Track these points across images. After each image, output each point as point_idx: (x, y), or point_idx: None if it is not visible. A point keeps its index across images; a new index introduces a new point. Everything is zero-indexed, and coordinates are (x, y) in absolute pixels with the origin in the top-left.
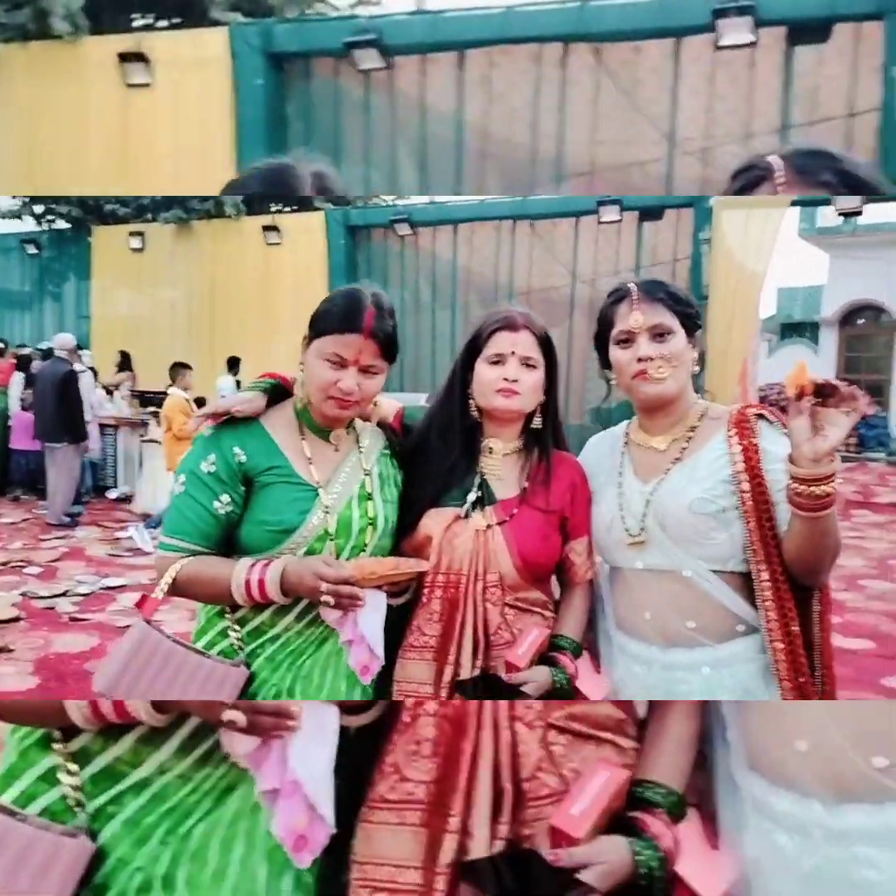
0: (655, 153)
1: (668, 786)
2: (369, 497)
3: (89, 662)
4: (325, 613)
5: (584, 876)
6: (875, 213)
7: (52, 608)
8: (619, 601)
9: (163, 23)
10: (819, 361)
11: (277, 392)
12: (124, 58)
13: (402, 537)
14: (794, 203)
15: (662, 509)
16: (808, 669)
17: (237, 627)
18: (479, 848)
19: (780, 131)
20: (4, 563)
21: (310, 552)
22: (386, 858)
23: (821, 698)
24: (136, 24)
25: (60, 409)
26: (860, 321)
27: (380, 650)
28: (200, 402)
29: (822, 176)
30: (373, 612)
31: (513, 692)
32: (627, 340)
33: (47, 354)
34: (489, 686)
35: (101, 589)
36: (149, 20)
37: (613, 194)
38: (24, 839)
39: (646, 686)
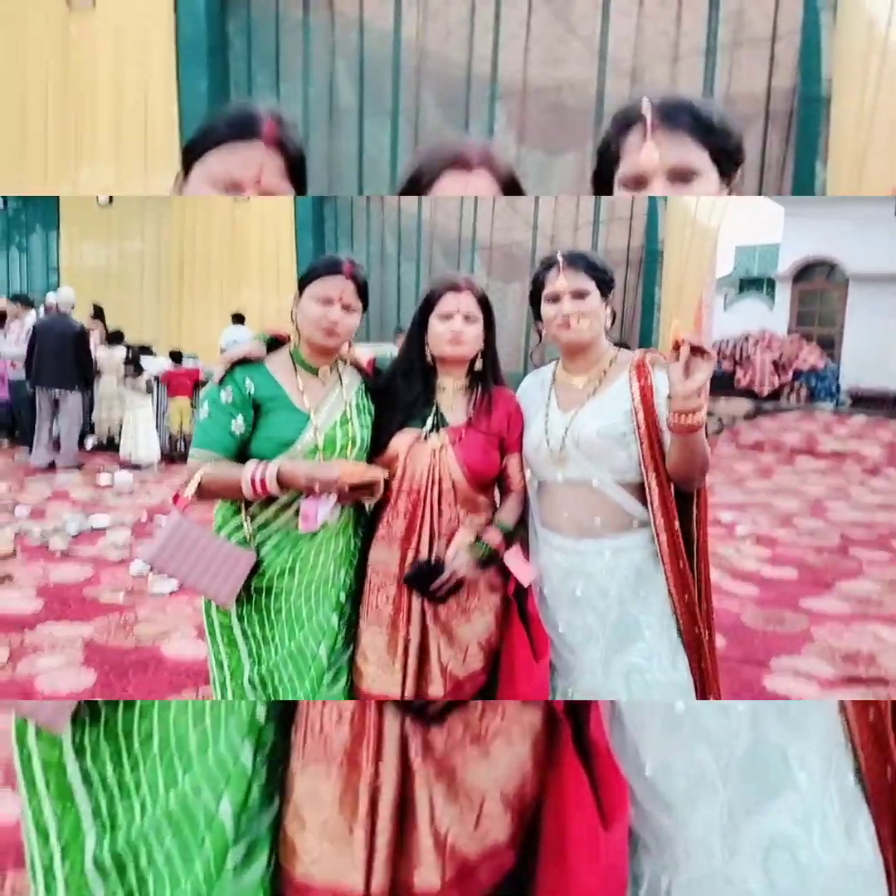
0: (587, 73)
1: (503, 520)
2: (349, 421)
3: (86, 589)
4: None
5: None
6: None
7: (45, 545)
8: (544, 505)
9: None
10: (774, 316)
11: (275, 342)
12: None
13: (375, 455)
14: None
15: (578, 433)
16: (685, 555)
17: (249, 521)
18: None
19: (706, 52)
20: None
21: None
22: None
23: (699, 578)
24: None
25: (78, 361)
26: (814, 277)
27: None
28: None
29: (682, 119)
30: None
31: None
32: (555, 299)
33: (27, 303)
34: (431, 573)
35: (90, 528)
36: None
37: (546, 114)
38: (216, 543)
39: (563, 568)
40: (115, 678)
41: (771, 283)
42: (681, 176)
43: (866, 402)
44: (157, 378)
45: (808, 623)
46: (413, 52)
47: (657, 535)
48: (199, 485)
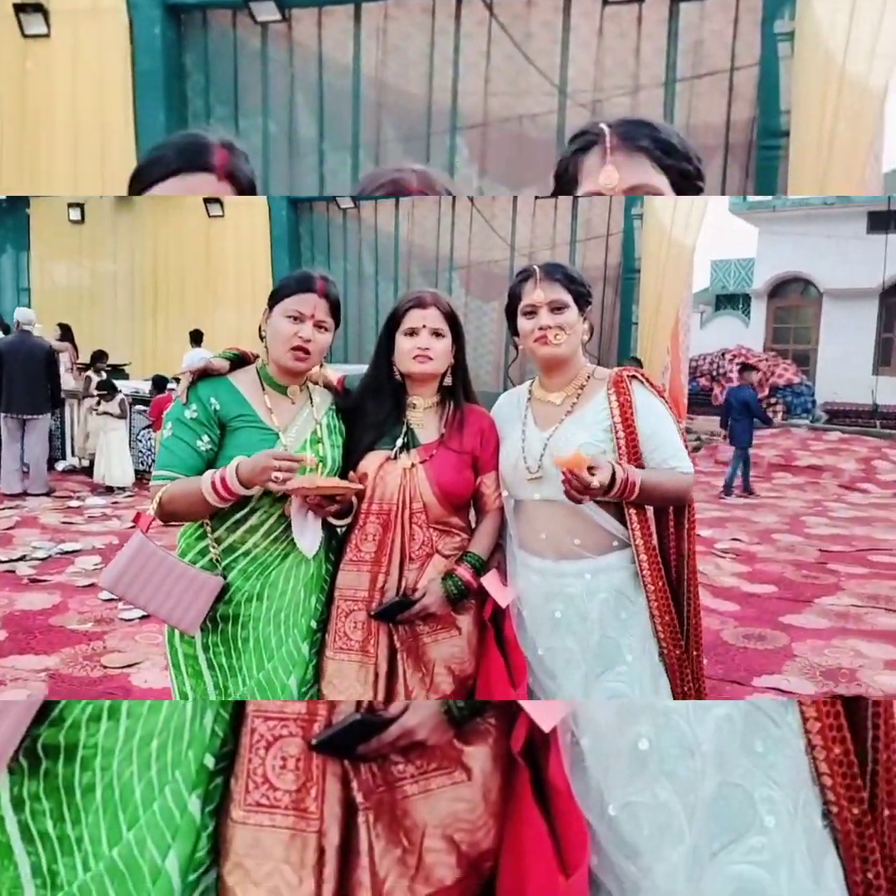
0: (548, 105)
1: (477, 552)
2: (319, 441)
3: (53, 618)
4: (289, 510)
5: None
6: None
7: (11, 572)
8: (521, 526)
9: None
10: (750, 332)
11: (240, 360)
12: (21, 8)
13: (344, 476)
14: None
15: (557, 451)
16: (665, 575)
17: (215, 545)
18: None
19: (665, 84)
20: None
21: None
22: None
23: (688, 597)
24: None
25: (48, 383)
26: (789, 293)
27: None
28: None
29: (641, 142)
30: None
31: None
32: (531, 312)
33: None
34: (400, 607)
35: (58, 553)
36: None
37: (507, 146)
38: (181, 568)
39: (542, 591)
40: None
41: (747, 299)
42: (556, 307)
43: (841, 416)
44: (130, 400)
45: (788, 640)
46: (373, 85)
47: (637, 554)
48: (160, 502)
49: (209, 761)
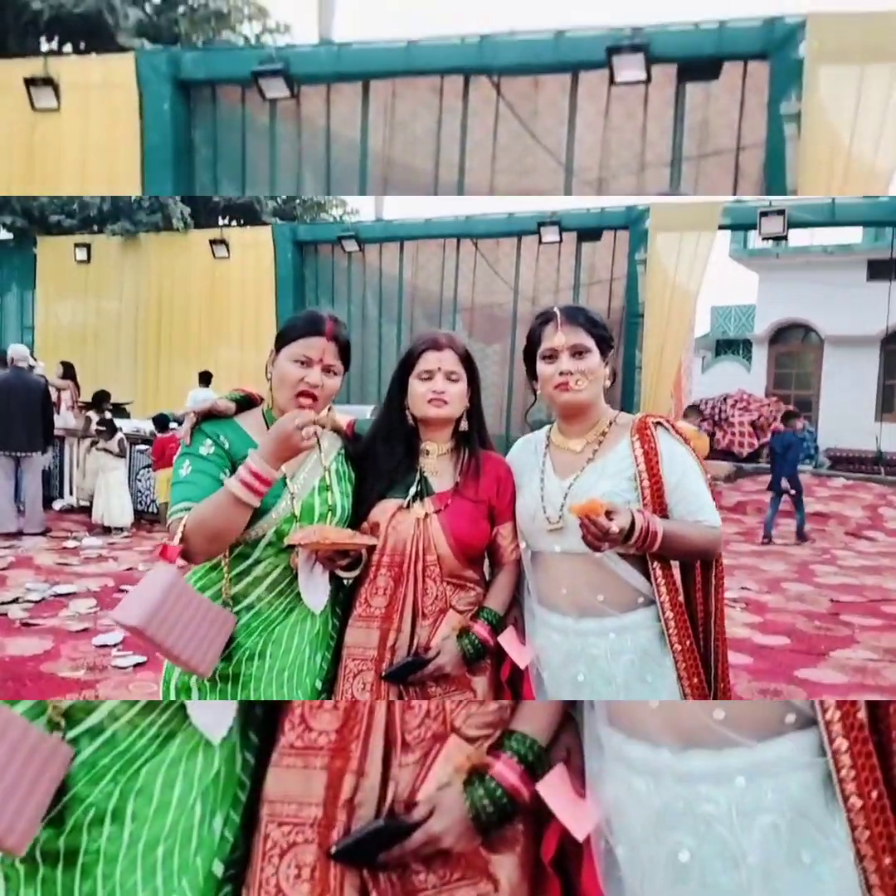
0: (553, 183)
1: (525, 733)
2: (328, 488)
3: (44, 664)
4: (295, 562)
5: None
6: (800, 237)
7: (4, 615)
8: (540, 580)
9: (69, 47)
10: (751, 378)
11: (246, 401)
12: (31, 82)
13: (355, 526)
14: (722, 227)
15: (577, 501)
16: (691, 633)
17: (228, 581)
18: (371, 788)
19: (672, 164)
20: None
21: (279, 534)
22: (291, 797)
23: (715, 658)
24: (43, 48)
25: (43, 419)
26: (790, 339)
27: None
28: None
29: (579, 319)
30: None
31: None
32: (551, 356)
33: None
34: (412, 668)
35: (52, 596)
36: (55, 45)
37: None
38: (205, 603)
39: (562, 651)
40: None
41: (747, 345)
42: (578, 352)
43: (844, 463)
44: (131, 439)
45: (805, 696)
46: (380, 161)
47: (663, 612)
48: (184, 531)
49: (218, 868)
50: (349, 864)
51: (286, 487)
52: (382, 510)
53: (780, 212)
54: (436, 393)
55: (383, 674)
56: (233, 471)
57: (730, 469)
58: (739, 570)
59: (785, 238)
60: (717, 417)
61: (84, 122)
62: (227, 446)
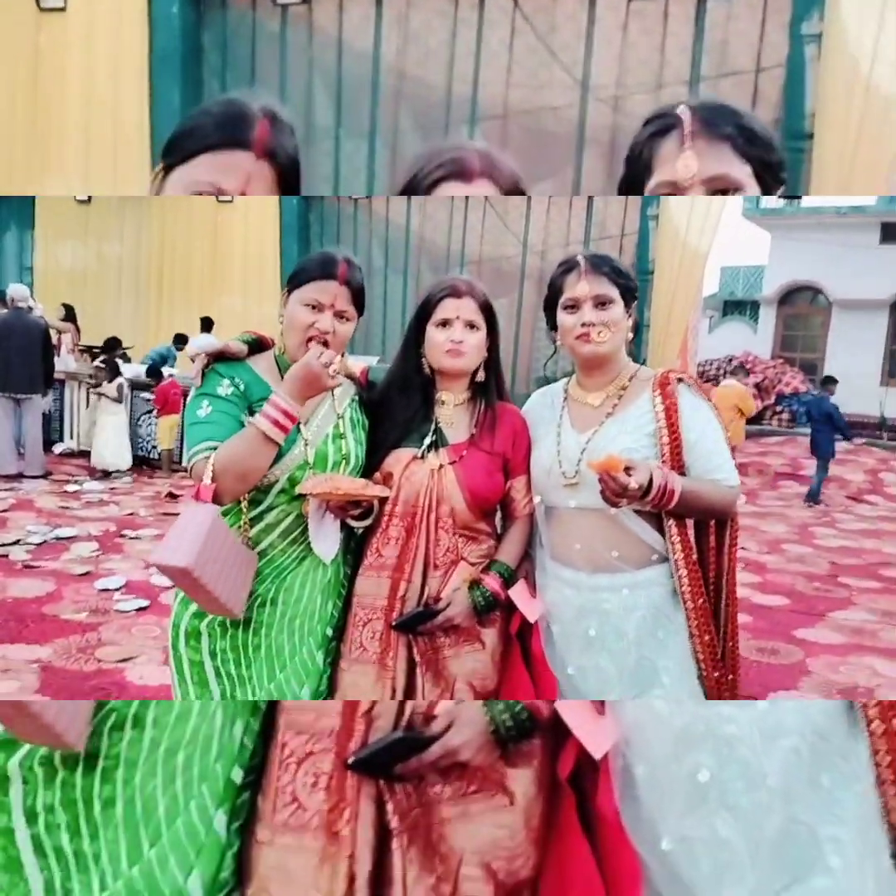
0: (568, 99)
1: (503, 560)
2: (342, 436)
3: (46, 606)
4: (306, 510)
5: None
6: (814, 197)
7: (5, 556)
8: (554, 535)
9: None
10: (758, 339)
11: (257, 344)
12: None
13: (368, 475)
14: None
15: (595, 456)
16: (705, 591)
17: (248, 523)
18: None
19: (690, 83)
20: None
21: (291, 481)
22: (309, 707)
23: (726, 615)
24: None
25: (43, 361)
26: (798, 301)
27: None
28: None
29: (724, 129)
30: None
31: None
32: (573, 306)
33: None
34: (423, 618)
35: (54, 539)
36: None
37: (526, 138)
38: (237, 542)
39: (575, 605)
40: None
41: (755, 306)
42: (601, 302)
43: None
44: (131, 383)
45: (803, 655)
46: (392, 74)
47: (676, 569)
48: (214, 470)
49: (237, 775)
50: (366, 774)
51: (300, 434)
52: (396, 460)
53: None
54: (454, 342)
55: (393, 623)
56: (248, 413)
57: None
58: (740, 531)
59: (799, 197)
60: (721, 378)
61: (90, 23)
62: (242, 388)
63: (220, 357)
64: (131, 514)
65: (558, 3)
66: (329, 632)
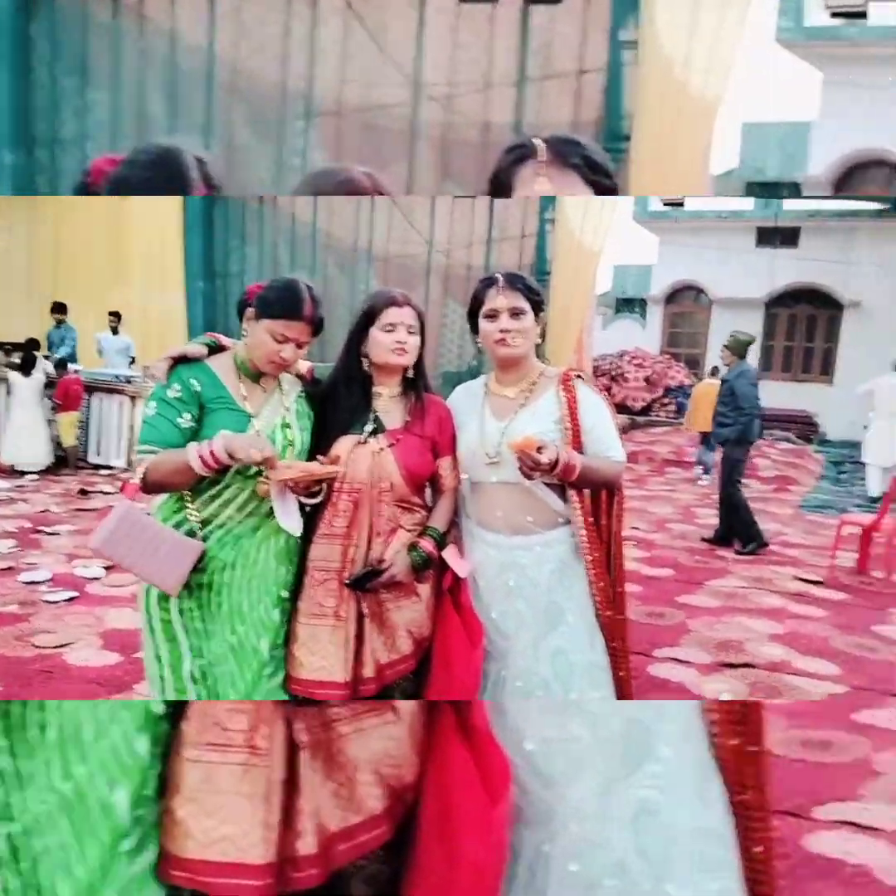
0: (401, 96)
1: (435, 526)
2: (288, 425)
3: None
4: (266, 490)
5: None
6: (697, 201)
7: None
8: (479, 505)
9: None
10: (646, 335)
11: (215, 347)
12: None
13: (311, 458)
14: None
15: (512, 439)
16: (600, 546)
17: (194, 514)
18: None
19: (517, 83)
20: None
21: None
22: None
23: (615, 564)
24: None
25: None
26: (683, 300)
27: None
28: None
29: (572, 159)
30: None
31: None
32: (493, 316)
33: None
34: (371, 576)
35: None
36: None
37: (360, 135)
38: (165, 532)
39: (497, 562)
40: (19, 687)
41: (643, 304)
42: (516, 313)
43: None
44: (48, 379)
45: (684, 616)
46: (226, 67)
47: (577, 529)
48: (145, 473)
49: (284, 593)
50: (356, 589)
51: (251, 422)
52: (343, 444)
53: None
54: (399, 343)
55: (345, 582)
56: (201, 411)
57: (625, 422)
58: (630, 513)
59: (681, 204)
60: (614, 372)
61: None
62: (198, 389)
63: (183, 359)
64: (44, 511)
65: (388, 1)
66: (284, 593)
